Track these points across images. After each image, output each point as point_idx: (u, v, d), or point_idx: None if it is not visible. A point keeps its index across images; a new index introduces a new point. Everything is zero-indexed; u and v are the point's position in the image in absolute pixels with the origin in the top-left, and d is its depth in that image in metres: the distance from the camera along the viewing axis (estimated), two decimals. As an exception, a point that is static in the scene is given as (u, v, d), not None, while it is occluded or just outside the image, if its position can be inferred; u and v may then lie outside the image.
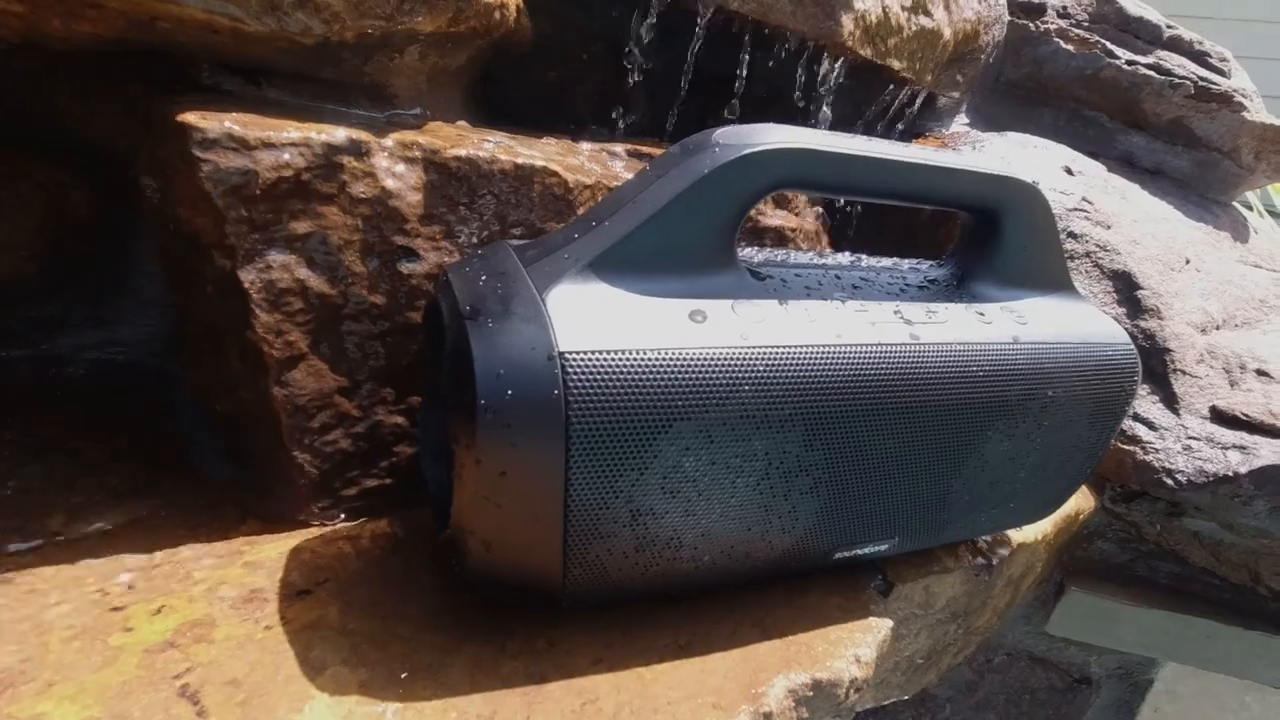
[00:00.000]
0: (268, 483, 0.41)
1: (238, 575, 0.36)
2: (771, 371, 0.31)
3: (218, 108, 0.34)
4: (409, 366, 0.41)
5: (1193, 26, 0.85)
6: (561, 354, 0.28)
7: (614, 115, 0.66)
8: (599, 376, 0.28)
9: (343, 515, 0.42)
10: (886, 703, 0.52)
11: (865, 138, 0.36)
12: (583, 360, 0.28)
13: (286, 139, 0.34)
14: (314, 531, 0.41)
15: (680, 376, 0.30)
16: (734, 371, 0.31)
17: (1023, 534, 0.53)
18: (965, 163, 0.38)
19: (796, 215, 0.63)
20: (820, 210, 0.62)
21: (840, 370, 0.33)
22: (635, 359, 0.29)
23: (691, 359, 0.30)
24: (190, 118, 0.32)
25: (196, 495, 0.42)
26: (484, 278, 0.32)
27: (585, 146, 0.51)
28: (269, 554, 0.38)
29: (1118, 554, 0.67)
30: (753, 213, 0.58)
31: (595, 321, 0.30)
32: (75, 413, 0.50)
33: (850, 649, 0.37)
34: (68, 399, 0.52)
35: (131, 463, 0.45)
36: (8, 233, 0.53)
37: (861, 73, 0.69)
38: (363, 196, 0.37)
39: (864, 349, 0.34)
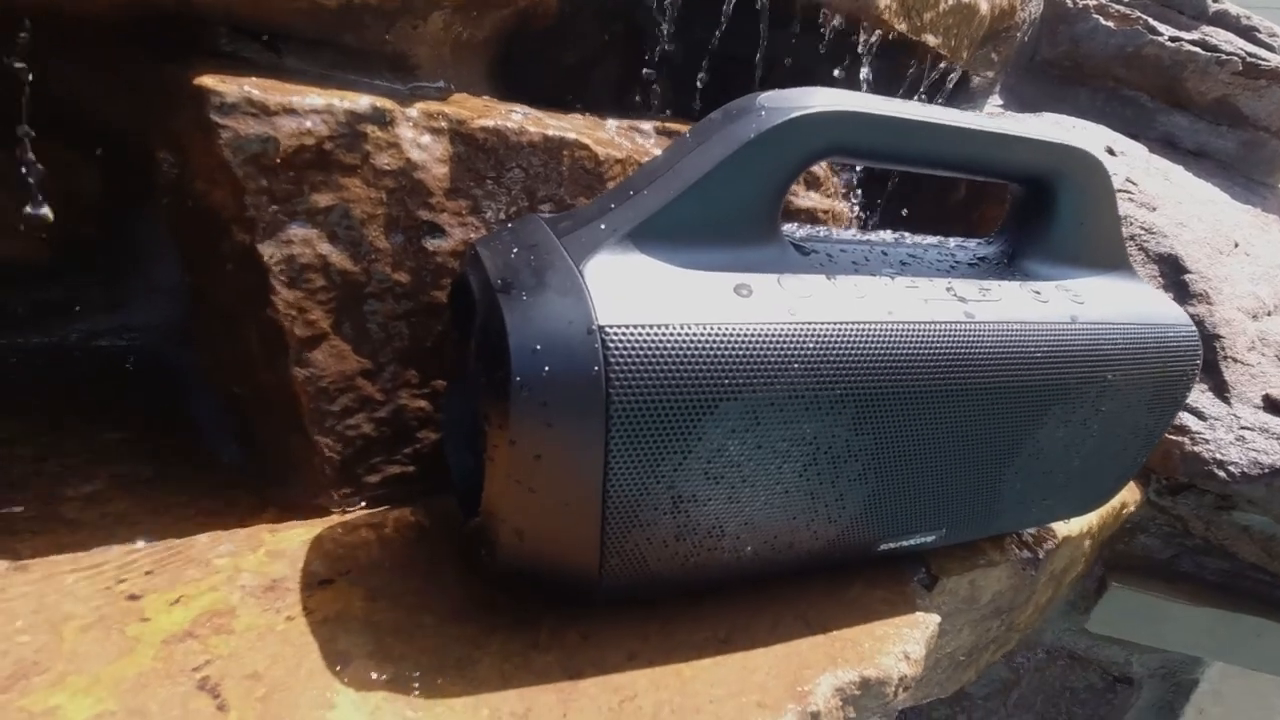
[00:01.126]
0: (287, 469, 0.40)
1: (258, 563, 0.34)
2: (821, 349, 0.29)
3: (236, 73, 0.32)
4: (434, 348, 0.39)
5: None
6: (601, 328, 0.26)
7: (637, 97, 0.64)
8: (641, 352, 0.27)
9: (364, 503, 0.40)
10: (925, 702, 0.50)
11: (916, 102, 0.34)
12: (624, 334, 0.26)
13: (309, 105, 0.32)
14: (335, 519, 0.39)
15: (726, 353, 0.28)
16: (782, 349, 0.29)
17: (1068, 527, 0.51)
18: (1023, 129, 0.36)
19: (829, 197, 0.60)
20: (852, 186, 0.60)
21: (893, 349, 0.31)
22: (679, 334, 0.27)
23: (738, 334, 0.28)
24: (208, 81, 0.30)
25: (213, 482, 0.41)
26: (516, 250, 0.30)
27: (612, 123, 0.49)
28: (290, 542, 0.36)
29: (1162, 549, 0.64)
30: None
31: (636, 294, 0.28)
32: (88, 399, 0.49)
33: (899, 645, 0.35)
34: (81, 385, 0.51)
35: (146, 450, 0.43)
36: (15, 214, 0.52)
37: (894, 50, 0.67)
38: (387, 168, 0.35)
39: (918, 327, 0.32)
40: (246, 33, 0.35)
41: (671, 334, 0.27)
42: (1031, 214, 0.40)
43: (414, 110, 0.36)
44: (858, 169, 0.67)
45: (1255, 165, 0.82)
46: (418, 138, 0.36)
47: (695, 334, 0.27)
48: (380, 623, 0.32)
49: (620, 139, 0.46)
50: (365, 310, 0.37)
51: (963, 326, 0.33)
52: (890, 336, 0.31)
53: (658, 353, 0.27)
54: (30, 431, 0.42)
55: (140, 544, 0.34)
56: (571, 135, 0.40)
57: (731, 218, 0.31)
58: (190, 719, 0.25)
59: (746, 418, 0.29)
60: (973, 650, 0.49)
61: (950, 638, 0.46)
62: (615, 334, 0.26)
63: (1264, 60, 0.75)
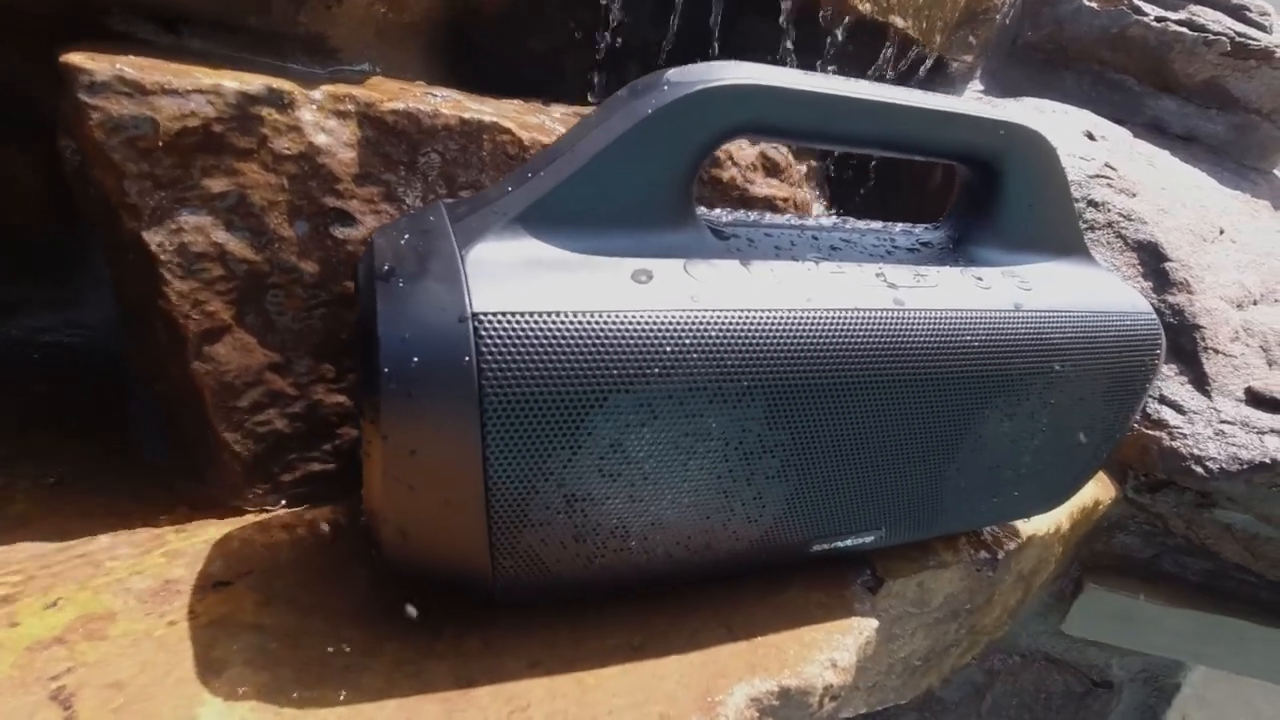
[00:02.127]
0: (201, 466, 0.38)
1: (154, 565, 0.33)
2: (726, 338, 0.28)
3: (120, 51, 0.31)
4: (350, 341, 0.38)
5: None
6: (475, 315, 0.25)
7: (592, 78, 0.62)
8: (519, 341, 0.25)
9: (284, 501, 0.39)
10: (882, 708, 0.48)
11: (843, 77, 0.32)
12: (499, 322, 0.25)
13: (192, 85, 0.30)
14: (249, 519, 0.38)
15: (616, 343, 0.26)
16: (680, 338, 0.27)
17: (1034, 526, 0.49)
18: (960, 106, 0.34)
19: (791, 185, 0.58)
20: (813, 166, 0.58)
21: (809, 338, 0.29)
22: (563, 322, 0.25)
23: (630, 323, 0.26)
24: (76, 58, 0.28)
25: (131, 482, 0.40)
26: (407, 236, 0.29)
27: (558, 109, 0.48)
28: (194, 542, 0.35)
29: (1141, 548, 0.61)
30: (741, 181, 0.54)
31: (519, 280, 0.26)
32: (29, 397, 0.48)
33: (826, 652, 0.33)
34: (23, 383, 0.50)
35: (70, 449, 0.42)
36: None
37: (862, 33, 0.64)
38: (287, 153, 0.34)
39: (838, 314, 0.30)
40: (142, 14, 0.34)
41: (554, 322, 0.25)
42: (978, 197, 0.38)
43: (317, 93, 0.34)
44: (827, 157, 0.65)
45: (1246, 150, 0.79)
46: (322, 121, 0.34)
47: (581, 323, 0.26)
48: (269, 627, 0.30)
49: (556, 125, 0.44)
50: (270, 301, 0.35)
51: (890, 315, 0.31)
52: (806, 325, 0.29)
53: (537, 342, 0.25)
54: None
55: (32, 544, 0.33)
56: (490, 118, 0.38)
57: (635, 199, 0.29)
58: (35, 732, 0.24)
59: (641, 411, 0.27)
60: (930, 655, 0.47)
61: (902, 642, 0.44)
62: (489, 322, 0.25)
63: (1254, 40, 0.72)
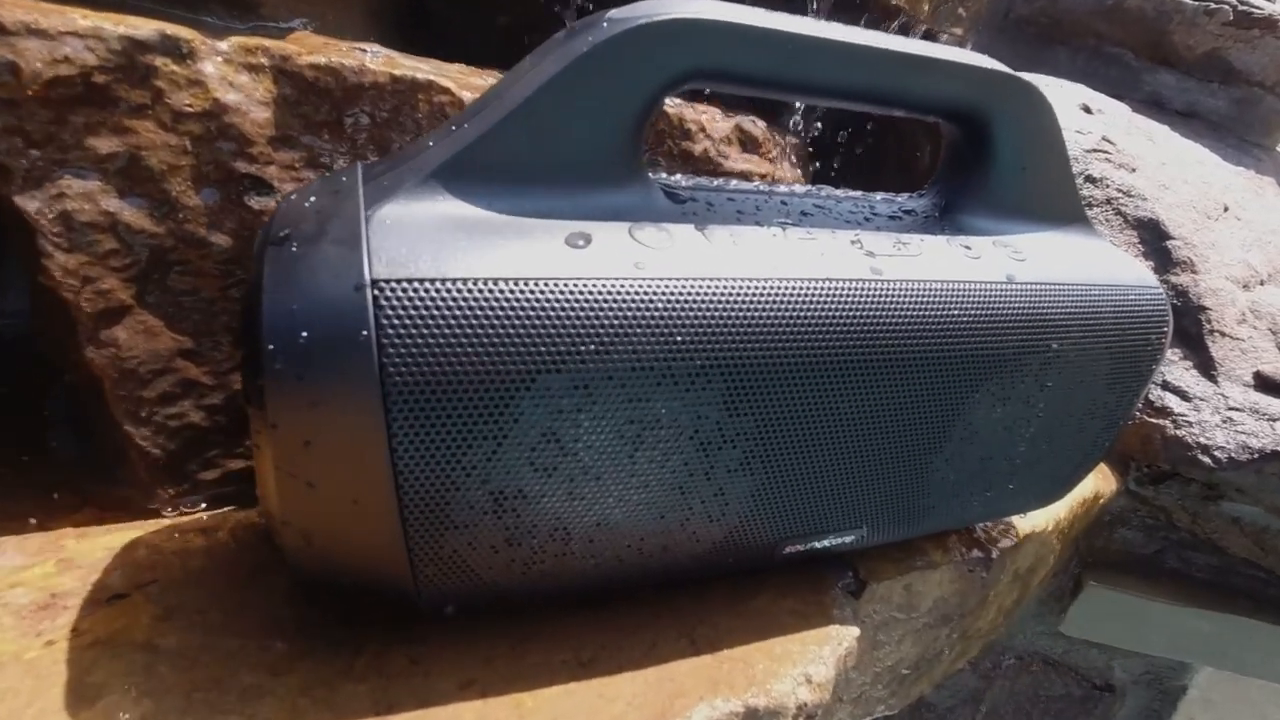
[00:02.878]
0: (112, 465, 0.35)
1: (42, 576, 0.29)
2: (676, 312, 0.24)
3: (-10, -6, 0.27)
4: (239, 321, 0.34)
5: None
6: (375, 282, 0.21)
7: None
8: (427, 313, 0.21)
9: (204, 503, 0.35)
10: (870, 719, 0.44)
11: (810, 18, 0.28)
12: (404, 291, 0.21)
13: (66, 27, 0.27)
14: (164, 523, 0.34)
15: (546, 316, 0.22)
16: (620, 311, 0.23)
17: (1030, 521, 0.45)
18: (942, 52, 0.30)
19: (769, 161, 0.55)
20: (793, 142, 0.54)
21: (774, 312, 0.26)
22: (483, 292, 0.22)
23: (562, 294, 0.23)
24: (-81, -8, 0.25)
25: (37, 481, 0.36)
26: (313, 198, 0.25)
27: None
28: (96, 550, 0.31)
29: (1144, 544, 0.58)
30: (714, 154, 0.51)
31: (432, 244, 0.22)
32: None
33: (799, 666, 0.30)
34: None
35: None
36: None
37: (847, 3, 0.61)
38: (189, 110, 0.30)
39: (807, 285, 0.26)
40: (22, -47, 0.30)
41: (472, 292, 0.22)
42: (965, 159, 0.34)
43: (224, 44, 0.31)
44: (803, 131, 0.61)
45: (1249, 125, 0.75)
46: (230, 75, 0.31)
47: (504, 292, 0.22)
48: (163, 646, 0.26)
49: (507, 88, 0.40)
50: (176, 278, 0.31)
51: (868, 286, 0.28)
52: (771, 297, 0.26)
53: (452, 315, 0.21)
54: None
55: (-93, 554, 0.29)
56: (426, 76, 0.34)
57: (571, 153, 0.25)
58: None
59: (576, 395, 0.23)
60: (919, 662, 0.44)
61: (889, 650, 0.40)
62: (393, 290, 0.21)
63: (1257, 8, 0.68)
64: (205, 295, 0.32)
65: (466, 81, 0.37)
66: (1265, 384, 0.53)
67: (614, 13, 0.25)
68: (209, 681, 0.25)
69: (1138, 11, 0.71)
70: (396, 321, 0.21)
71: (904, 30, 0.68)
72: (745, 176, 0.51)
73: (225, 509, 0.35)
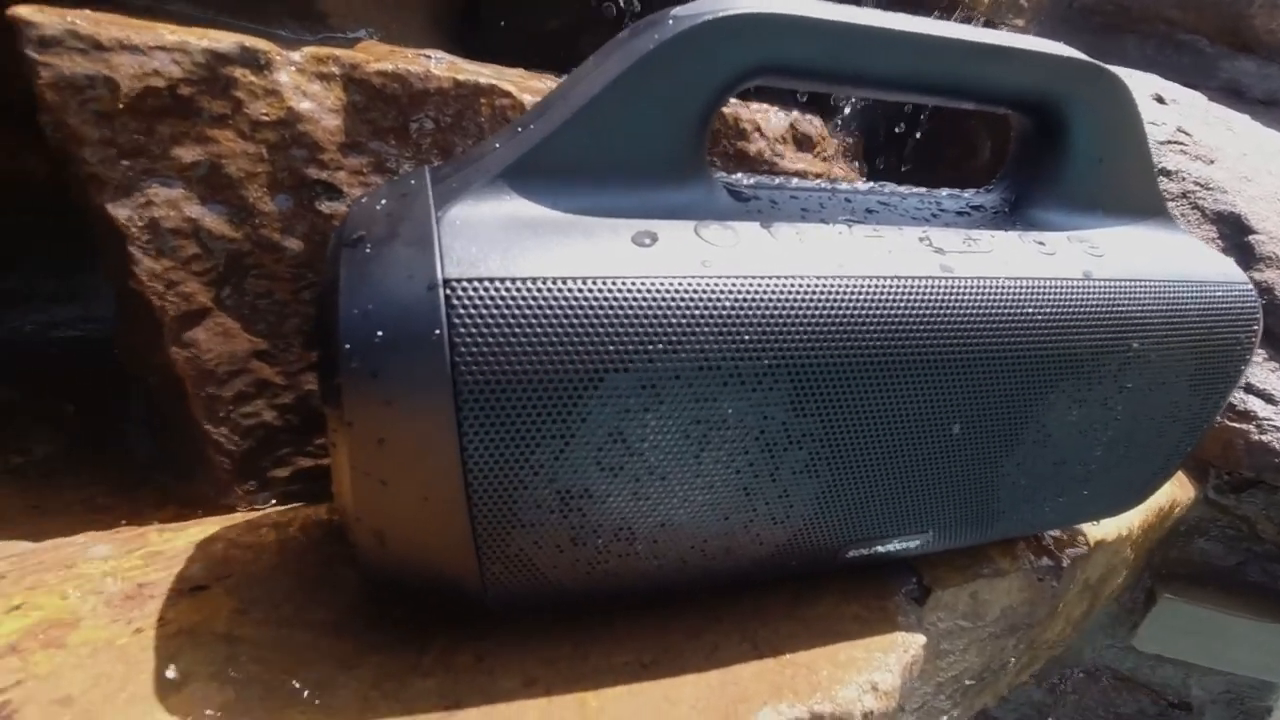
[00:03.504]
0: (190, 463, 0.36)
1: (130, 567, 0.31)
2: (743, 310, 0.24)
3: (76, 5, 0.28)
4: (313, 323, 0.35)
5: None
6: (447, 281, 0.21)
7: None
8: (498, 311, 0.21)
9: (274, 500, 0.37)
10: (930, 730, 0.43)
11: (873, 9, 0.27)
12: (476, 290, 0.21)
13: (155, 42, 0.28)
14: (239, 518, 0.35)
15: (614, 315, 0.22)
16: (689, 309, 0.23)
17: (1102, 529, 0.44)
18: (1014, 40, 0.29)
19: (824, 160, 0.54)
20: (848, 142, 0.53)
21: (841, 310, 0.25)
22: (551, 290, 0.22)
23: (629, 292, 0.23)
24: (24, 11, 0.26)
25: (120, 480, 0.38)
26: (384, 201, 0.25)
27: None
28: (177, 543, 0.33)
29: (1224, 555, 0.55)
30: (769, 154, 0.50)
31: (500, 242, 0.23)
32: (29, 391, 0.46)
33: (865, 673, 0.29)
34: (25, 378, 0.48)
35: (64, 444, 0.41)
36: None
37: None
38: (265, 119, 0.31)
39: (875, 282, 0.26)
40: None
41: (540, 290, 0.22)
42: (1038, 151, 0.33)
43: (298, 54, 0.32)
44: (857, 129, 0.60)
45: (1339, 113, 0.71)
46: (303, 85, 0.32)
47: (572, 291, 0.22)
48: (241, 637, 0.27)
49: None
50: (253, 282, 0.33)
51: (938, 283, 0.27)
52: (838, 295, 0.25)
53: (521, 313, 0.22)
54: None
55: (7, 544, 0.31)
56: (489, 80, 0.35)
57: (637, 151, 0.25)
58: (-39, 755, 0.21)
59: (643, 394, 0.23)
60: (983, 673, 0.42)
61: (953, 660, 0.39)
62: (464, 290, 0.21)
63: (1347, -12, 0.64)
64: (278, 298, 0.33)
65: (526, 85, 0.37)
66: (1361, 387, 0.49)
67: (678, 10, 0.25)
68: (285, 673, 0.26)
69: (1213, -4, 0.68)
70: (468, 320, 0.21)
71: (964, 22, 0.66)
72: (801, 176, 0.51)
73: (294, 505, 0.37)
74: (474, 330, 0.21)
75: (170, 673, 0.25)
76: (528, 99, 0.36)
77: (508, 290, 0.22)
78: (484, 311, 0.21)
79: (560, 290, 0.22)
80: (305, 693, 0.25)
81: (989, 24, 0.69)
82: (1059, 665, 0.57)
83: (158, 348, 0.33)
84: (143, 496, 0.37)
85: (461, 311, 0.21)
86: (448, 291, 0.21)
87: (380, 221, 0.24)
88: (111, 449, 0.41)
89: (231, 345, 0.33)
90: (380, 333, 0.21)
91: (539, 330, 0.22)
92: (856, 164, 0.61)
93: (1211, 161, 0.57)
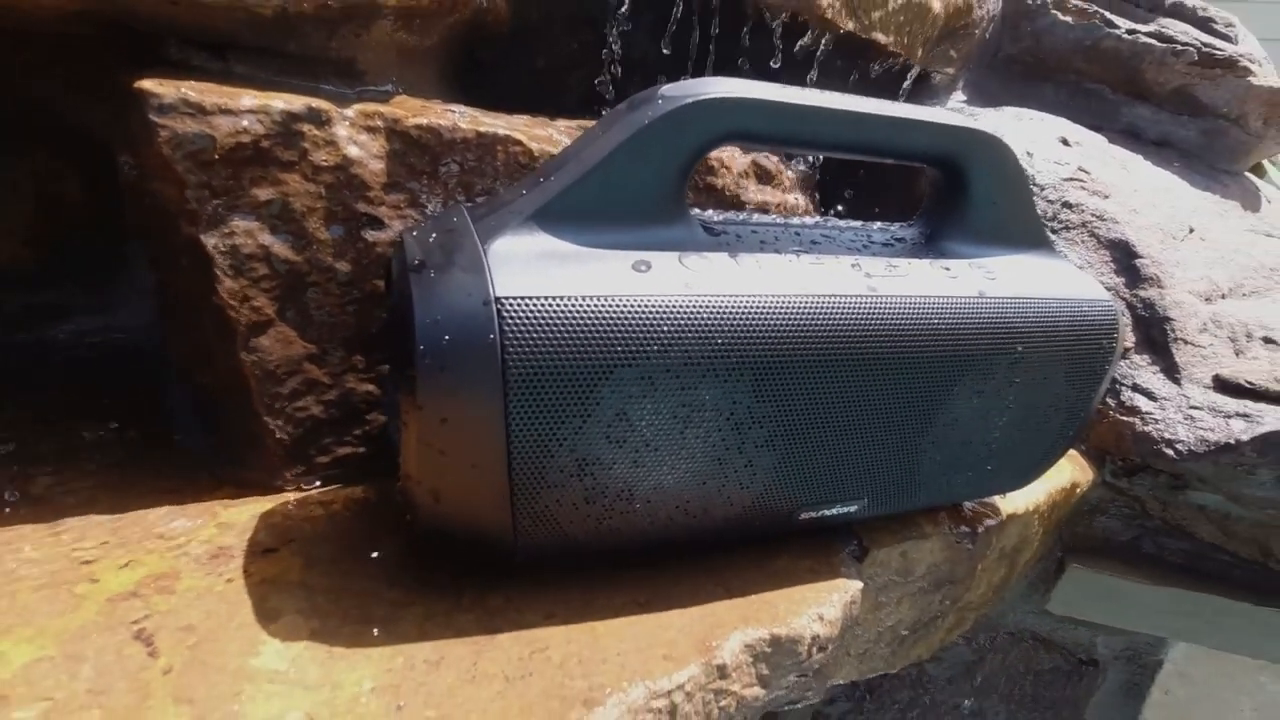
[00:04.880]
0: (245, 451, 0.42)
1: (208, 534, 0.37)
2: (716, 320, 0.31)
3: (179, 78, 0.35)
4: (378, 334, 0.42)
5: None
6: (498, 299, 0.28)
7: (606, 97, 0.66)
8: (536, 321, 0.29)
9: (318, 482, 0.43)
10: (873, 675, 0.51)
11: (817, 90, 0.36)
12: (519, 305, 0.29)
13: (244, 106, 0.35)
14: (288, 496, 0.41)
15: (620, 323, 0.30)
16: (676, 320, 0.31)
17: (1013, 505, 0.52)
18: (922, 114, 0.38)
19: (782, 191, 0.62)
20: (802, 173, 0.62)
21: (791, 320, 0.33)
22: (574, 305, 0.29)
23: (632, 306, 0.30)
24: (147, 84, 0.33)
25: (177, 466, 0.43)
26: (434, 235, 0.32)
27: (562, 122, 0.52)
28: (241, 516, 0.39)
29: (1122, 530, 0.65)
30: (734, 188, 0.58)
31: (535, 269, 0.30)
32: (74, 394, 0.52)
33: (814, 608, 0.37)
34: (68, 382, 0.54)
35: (118, 438, 0.46)
36: (2, 218, 0.55)
37: (848, 48, 0.69)
38: (325, 164, 0.38)
39: (815, 299, 0.34)
40: (194, 42, 0.38)
41: (566, 305, 0.29)
42: (947, 196, 0.42)
43: (351, 110, 0.38)
44: (816, 164, 0.69)
45: (1218, 153, 0.83)
46: (354, 136, 0.38)
47: (589, 305, 0.29)
48: (314, 585, 0.34)
49: (562, 136, 0.48)
50: (309, 298, 0.39)
51: (864, 300, 0.35)
52: (788, 309, 0.33)
53: (552, 322, 0.29)
54: (13, 423, 0.45)
55: (101, 517, 0.37)
56: (504, 131, 0.42)
57: (634, 199, 0.33)
58: (122, 663, 0.28)
59: (642, 383, 0.31)
60: (916, 625, 0.50)
61: (889, 611, 0.47)
62: (511, 305, 0.28)
63: (1219, 50, 0.76)
64: (329, 311, 0.40)
65: (532, 134, 0.45)
66: (1223, 386, 0.59)
67: (665, 90, 0.33)
68: (354, 610, 0.32)
69: (1113, 52, 0.79)
70: (514, 328, 0.28)
71: (902, 71, 0.76)
72: (762, 205, 0.59)
73: (334, 486, 0.43)
74: (518, 335, 0.28)
75: (265, 609, 0.31)
76: (535, 146, 0.44)
77: (542, 305, 0.29)
78: (525, 321, 0.29)
79: (581, 305, 0.29)
80: (372, 624, 0.32)
81: (924, 73, 0.78)
82: (985, 629, 0.65)
83: (227, 353, 0.39)
84: (200, 480, 0.42)
85: (509, 321, 0.28)
86: (498, 306, 0.28)
87: (436, 251, 0.31)
88: (163, 441, 0.47)
89: (289, 350, 0.39)
90: (447, 337, 0.28)
91: (565, 335, 0.29)
92: (812, 193, 0.70)
93: (1107, 196, 0.67)
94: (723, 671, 0.33)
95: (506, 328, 0.28)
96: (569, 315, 0.29)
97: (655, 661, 0.31)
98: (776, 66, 0.66)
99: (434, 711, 0.27)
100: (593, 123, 0.54)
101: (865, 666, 0.50)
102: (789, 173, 0.63)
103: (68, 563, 0.33)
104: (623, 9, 0.59)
